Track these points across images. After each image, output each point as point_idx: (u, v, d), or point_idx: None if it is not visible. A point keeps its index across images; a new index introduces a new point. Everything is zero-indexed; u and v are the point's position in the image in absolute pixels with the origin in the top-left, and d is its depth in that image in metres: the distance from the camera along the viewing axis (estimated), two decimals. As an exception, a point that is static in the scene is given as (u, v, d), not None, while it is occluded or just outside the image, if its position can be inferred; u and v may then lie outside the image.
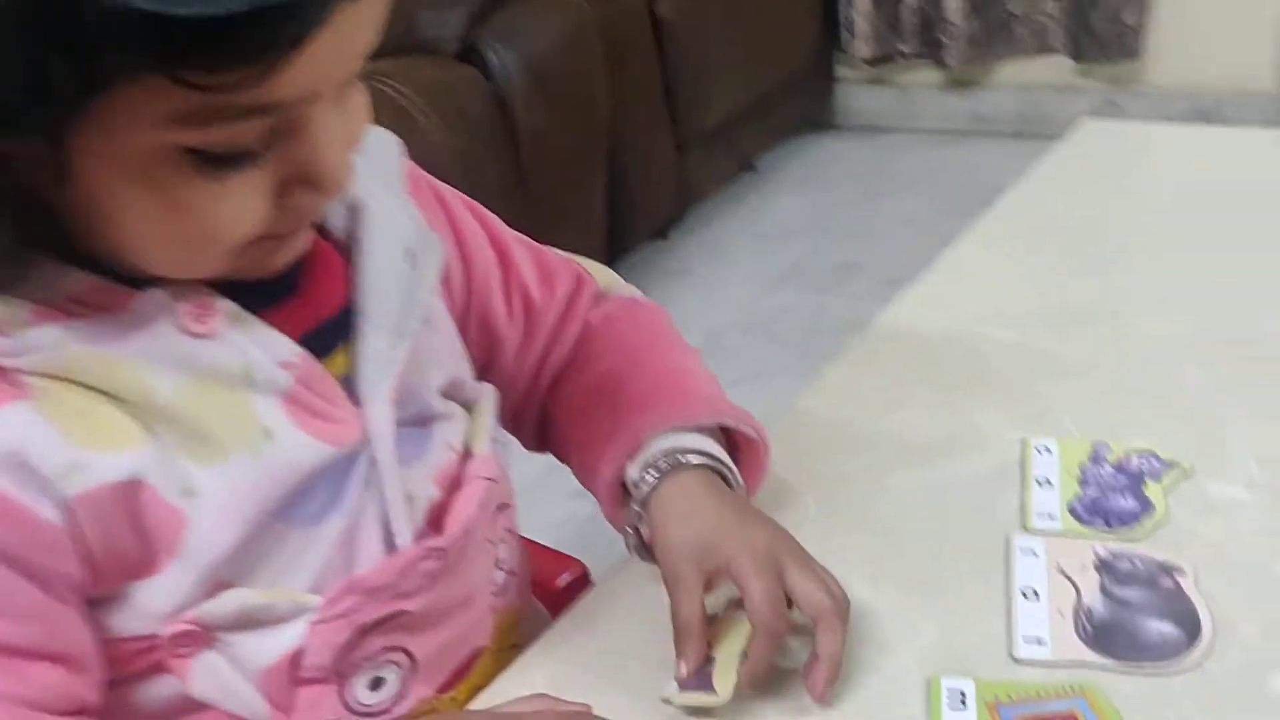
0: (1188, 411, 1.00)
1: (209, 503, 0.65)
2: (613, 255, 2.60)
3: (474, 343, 0.84)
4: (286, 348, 0.68)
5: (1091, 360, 1.07)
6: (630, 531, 0.81)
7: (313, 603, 0.69)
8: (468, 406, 0.80)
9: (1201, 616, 0.78)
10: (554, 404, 0.90)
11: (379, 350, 0.71)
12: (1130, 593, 0.81)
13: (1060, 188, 1.38)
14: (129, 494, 0.64)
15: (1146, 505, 0.89)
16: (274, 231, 0.63)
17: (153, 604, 0.66)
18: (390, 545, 0.72)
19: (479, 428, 0.79)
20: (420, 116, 2.03)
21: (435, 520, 0.75)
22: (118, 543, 0.64)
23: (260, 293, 0.68)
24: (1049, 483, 0.92)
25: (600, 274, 0.93)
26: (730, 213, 3.08)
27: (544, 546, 1.04)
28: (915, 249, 2.88)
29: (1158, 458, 0.94)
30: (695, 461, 0.79)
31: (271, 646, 0.69)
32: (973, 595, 0.82)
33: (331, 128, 0.61)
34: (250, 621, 0.68)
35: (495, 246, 0.86)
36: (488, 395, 0.81)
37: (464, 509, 0.75)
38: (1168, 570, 0.82)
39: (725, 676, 0.73)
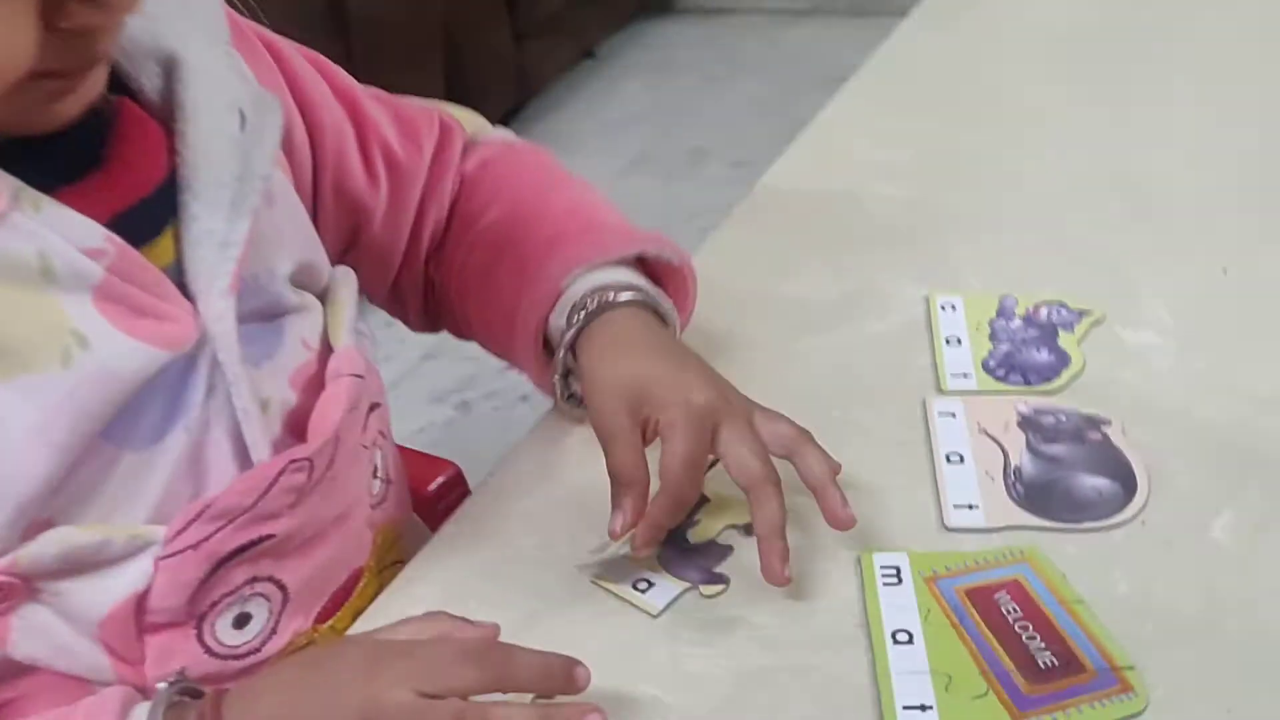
0: (1089, 258, 0.95)
1: (13, 427, 0.55)
2: (454, 150, 2.49)
3: (331, 217, 0.75)
4: (92, 232, 0.56)
5: (985, 211, 1.02)
6: (558, 381, 0.74)
7: (156, 535, 0.59)
8: (323, 297, 0.70)
9: (1135, 468, 0.74)
10: (441, 271, 0.80)
11: (212, 232, 0.61)
12: (1058, 449, 0.75)
13: (929, 42, 1.32)
14: None
15: (1062, 357, 0.84)
16: (53, 67, 0.52)
17: None
18: (244, 460, 0.63)
19: (338, 319, 0.69)
20: (244, 4, 1.87)
21: (295, 428, 0.65)
22: None
23: (53, 166, 0.56)
24: (958, 341, 0.86)
25: (466, 118, 0.84)
26: (573, 101, 2.98)
27: (410, 450, 0.94)
28: (763, 131, 2.85)
29: (1067, 307, 0.89)
30: (624, 298, 0.72)
31: (108, 592, 0.59)
32: (895, 464, 0.75)
33: None
34: (80, 565, 0.58)
35: (344, 102, 0.75)
36: (346, 282, 0.72)
37: (330, 412, 0.65)
38: (1094, 423, 0.77)
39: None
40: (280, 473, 0.61)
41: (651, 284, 0.76)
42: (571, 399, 0.76)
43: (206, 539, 0.59)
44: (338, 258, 0.75)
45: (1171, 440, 0.76)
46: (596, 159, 2.77)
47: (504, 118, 2.75)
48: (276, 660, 0.64)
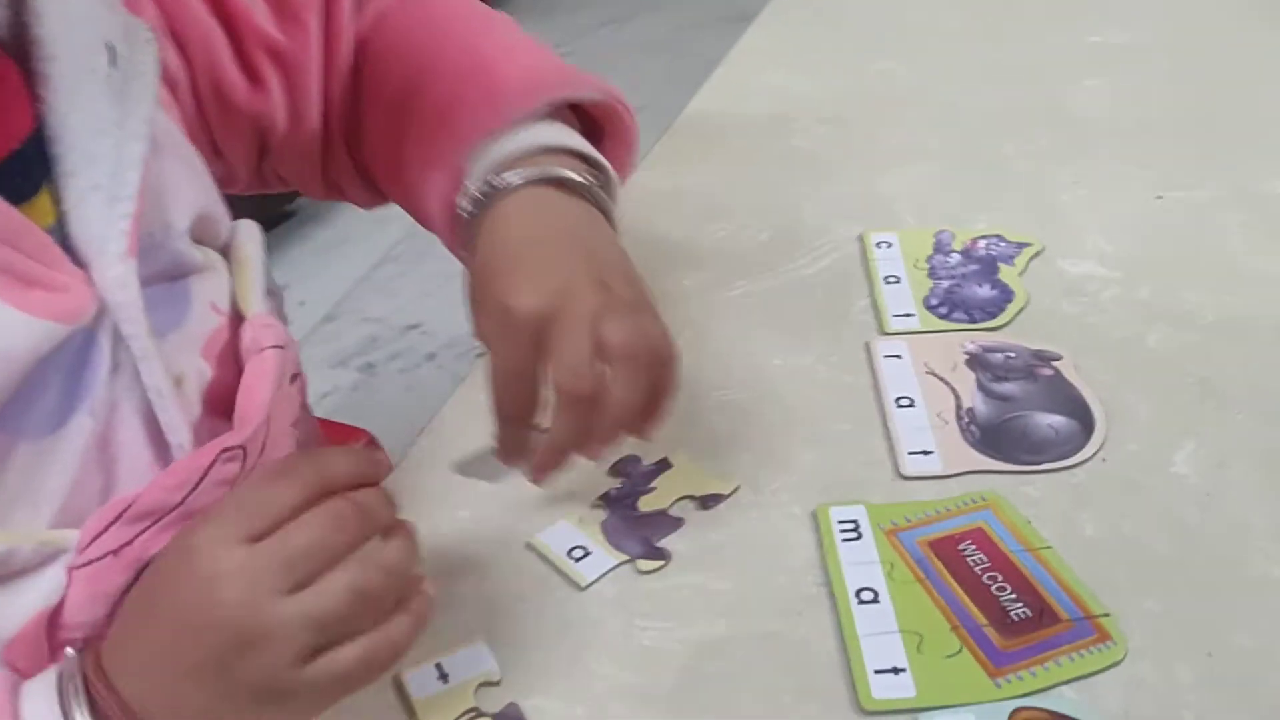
0: (1023, 189, 0.92)
1: None
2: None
3: (229, 136, 0.68)
4: None
5: (913, 144, 0.98)
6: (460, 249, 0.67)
7: (68, 541, 0.51)
8: (225, 254, 0.64)
9: (1091, 404, 0.71)
10: (365, 154, 0.72)
11: (97, 187, 0.53)
12: (1010, 387, 0.72)
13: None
14: None
15: (1005, 291, 0.80)
16: None
17: None
18: (161, 446, 0.56)
19: (246, 280, 0.62)
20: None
21: (216, 405, 0.59)
22: None
23: None
24: (897, 279, 0.82)
25: None
26: (464, 49, 2.89)
27: (321, 419, 0.88)
28: (663, 74, 2.79)
29: (1005, 240, 0.85)
30: (517, 181, 0.63)
31: (15, 609, 0.51)
32: (843, 411, 0.72)
33: None
34: None
35: (210, 3, 0.67)
36: (250, 236, 0.64)
37: (257, 392, 0.57)
38: (1044, 358, 0.74)
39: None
40: (211, 464, 0.53)
41: (575, 134, 0.67)
42: None
43: (129, 543, 0.52)
44: (254, 170, 0.68)
45: (1123, 372, 0.73)
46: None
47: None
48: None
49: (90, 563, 0.51)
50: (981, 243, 0.85)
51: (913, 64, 1.09)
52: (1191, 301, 0.79)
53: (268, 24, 0.68)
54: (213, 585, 0.48)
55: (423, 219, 0.71)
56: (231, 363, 0.59)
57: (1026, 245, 0.85)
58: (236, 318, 0.61)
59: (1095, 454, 0.67)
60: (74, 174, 0.53)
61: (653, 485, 0.67)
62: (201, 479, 0.53)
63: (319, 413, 0.92)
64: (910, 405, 0.71)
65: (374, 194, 0.76)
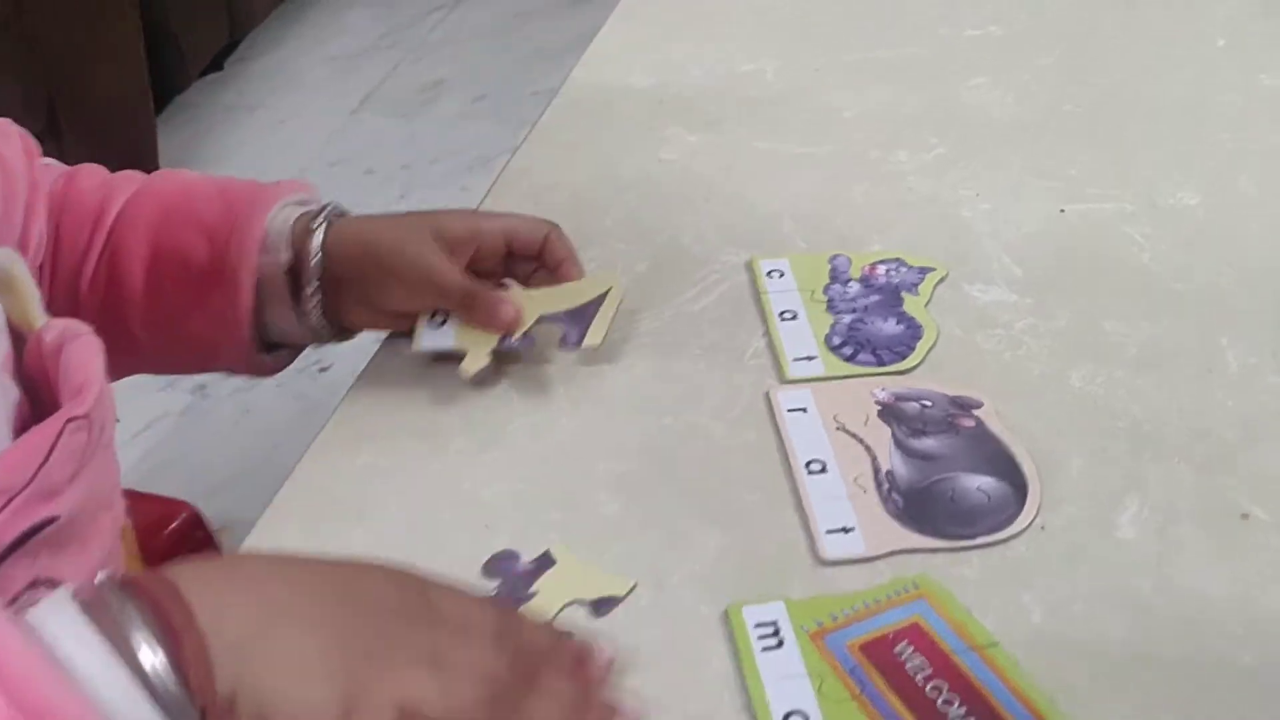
0: (918, 204, 0.84)
1: None
2: (162, 97, 2.23)
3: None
4: None
5: (795, 154, 0.89)
6: (313, 308, 0.70)
7: None
8: None
9: (1019, 459, 0.63)
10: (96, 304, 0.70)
11: None
12: (930, 444, 0.64)
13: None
14: None
15: (912, 326, 0.73)
16: None
17: None
18: None
19: (25, 301, 0.57)
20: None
21: (23, 425, 0.53)
22: None
23: None
24: (793, 315, 0.74)
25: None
26: (292, 37, 2.72)
27: (131, 491, 0.76)
28: (501, 62, 2.68)
29: (905, 264, 0.78)
30: (337, 210, 0.72)
31: None
32: (748, 479, 0.63)
33: None
34: None
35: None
36: (15, 260, 0.59)
37: (90, 364, 0.53)
38: (963, 406, 0.67)
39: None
40: (59, 434, 0.50)
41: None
42: (328, 326, 0.72)
43: None
44: None
45: (1049, 418, 0.66)
46: (324, 98, 2.54)
47: (216, 58, 2.49)
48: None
49: None
50: (881, 269, 0.77)
51: (783, 63, 1.01)
52: (1111, 332, 0.72)
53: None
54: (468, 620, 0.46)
55: (198, 324, 0.70)
56: (34, 376, 0.55)
57: (930, 270, 0.77)
58: (18, 341, 0.56)
59: (1032, 521, 0.60)
60: None
61: (533, 589, 0.57)
62: (51, 450, 0.50)
63: (147, 442, 0.81)
64: (822, 470, 0.63)
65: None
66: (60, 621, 0.39)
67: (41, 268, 0.70)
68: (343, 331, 0.73)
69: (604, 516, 0.61)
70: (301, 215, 0.71)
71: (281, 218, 0.70)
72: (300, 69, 2.62)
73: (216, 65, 2.50)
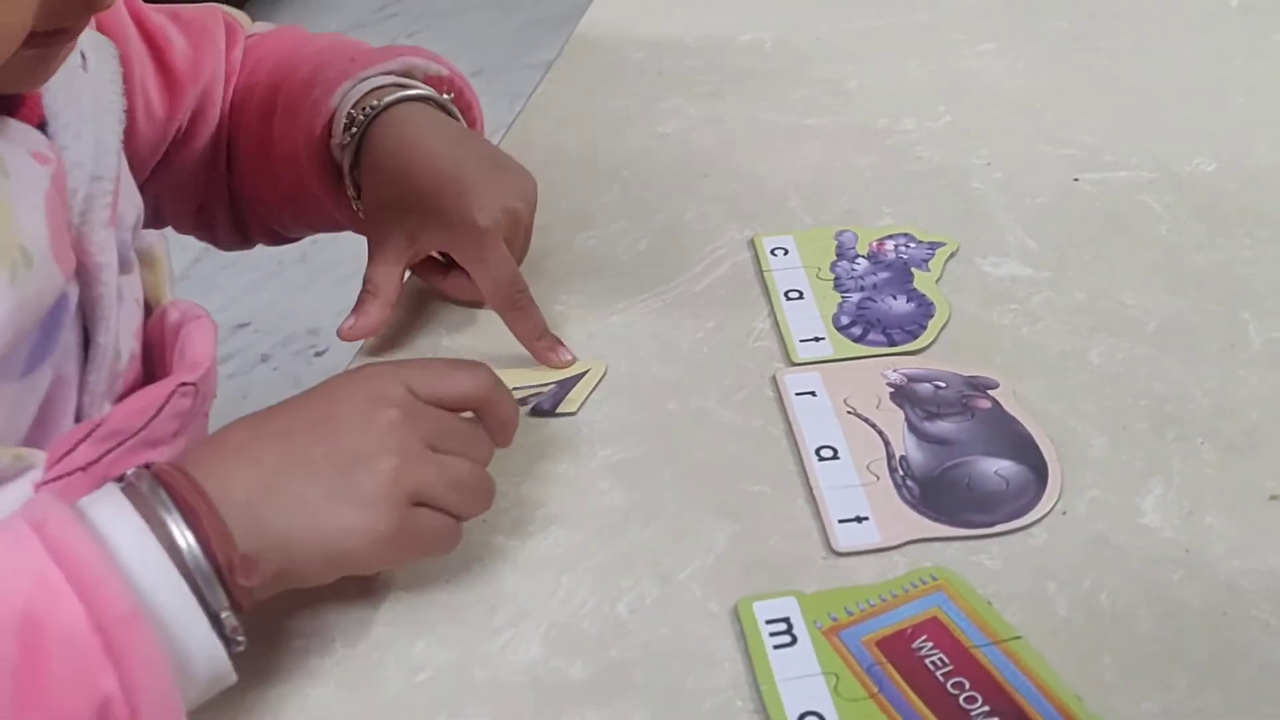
0: (926, 176, 0.82)
1: None
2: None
3: (141, 149, 0.70)
4: (34, 137, 0.54)
5: (798, 126, 0.87)
6: (351, 193, 0.71)
7: (37, 459, 0.52)
8: (141, 257, 0.65)
9: (1039, 441, 0.61)
10: (238, 168, 0.77)
11: (81, 164, 0.57)
12: (945, 426, 0.62)
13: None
14: None
15: (924, 304, 0.70)
16: (49, 27, 0.48)
17: None
18: (78, 412, 0.57)
19: (160, 277, 0.65)
20: None
21: (134, 380, 0.61)
22: None
23: None
24: (799, 294, 0.71)
25: (241, 16, 0.79)
26: (292, 8, 2.69)
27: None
28: (500, 35, 2.64)
29: (914, 239, 0.75)
30: (399, 96, 0.70)
31: None
32: (756, 467, 0.60)
33: None
34: None
35: (135, 22, 0.69)
36: (160, 243, 0.67)
37: (203, 343, 0.60)
38: (978, 387, 0.64)
39: None
40: (170, 395, 0.56)
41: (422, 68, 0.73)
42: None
43: (96, 461, 0.53)
44: (146, 185, 0.71)
45: (1069, 398, 0.64)
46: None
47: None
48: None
49: (59, 478, 0.52)
50: (889, 244, 0.75)
51: (782, 31, 0.98)
52: (1131, 305, 0.70)
53: (182, 53, 0.72)
54: (374, 404, 0.52)
55: (287, 187, 0.74)
56: (152, 345, 0.62)
57: (940, 245, 0.74)
58: (147, 309, 0.63)
59: (1054, 507, 0.58)
60: (65, 149, 0.56)
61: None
62: (161, 408, 0.56)
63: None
64: (834, 457, 0.60)
65: (238, 233, 0.81)
66: (111, 512, 0.47)
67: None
68: None
69: (606, 506, 0.58)
70: (366, 96, 0.70)
71: (353, 94, 0.70)
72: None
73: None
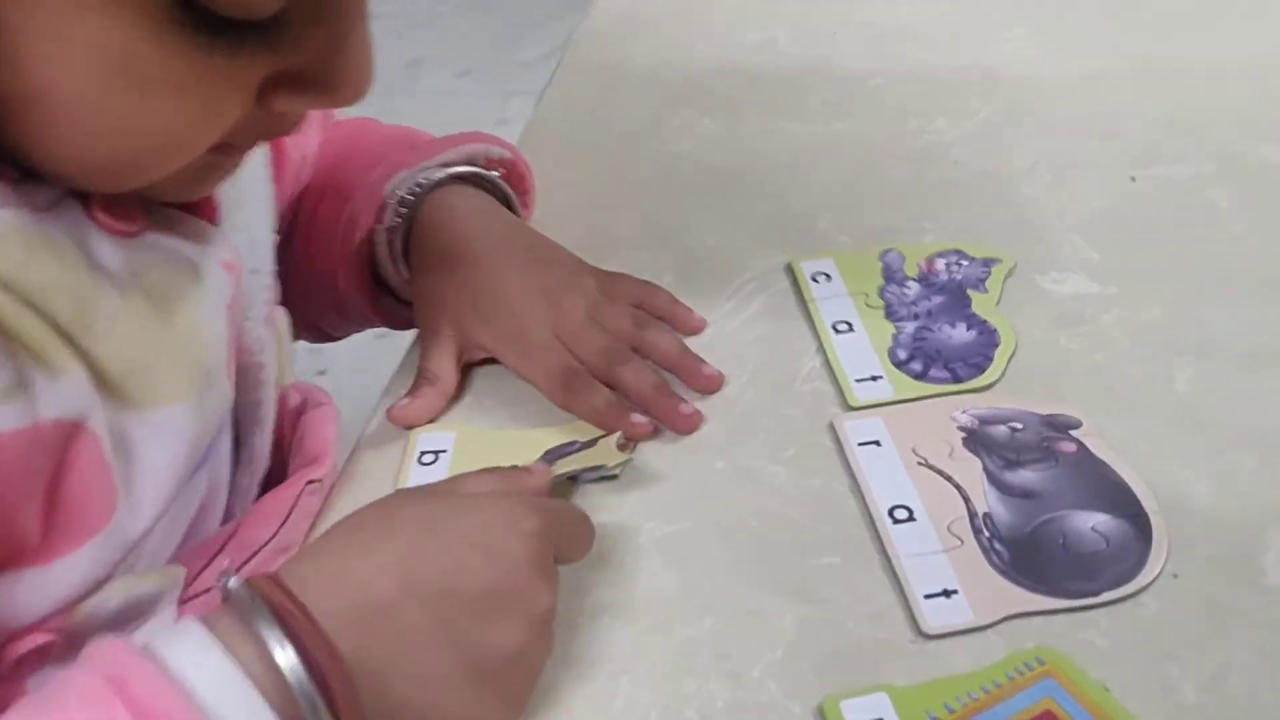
0: (970, 181, 0.75)
1: (145, 464, 0.47)
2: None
3: None
4: (224, 243, 0.52)
5: (823, 134, 0.80)
6: (404, 277, 0.67)
7: (177, 576, 0.50)
8: None
9: (1135, 489, 0.54)
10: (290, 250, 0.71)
11: (248, 263, 0.55)
12: (1028, 476, 0.55)
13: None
14: (64, 438, 0.44)
15: (986, 331, 0.63)
16: (233, 141, 0.46)
17: (23, 604, 0.44)
18: (226, 513, 0.55)
19: (284, 356, 0.61)
20: None
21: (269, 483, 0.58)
22: (16, 509, 0.43)
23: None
24: (849, 326, 0.64)
25: None
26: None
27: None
28: (485, 36, 2.57)
29: (967, 256, 0.68)
30: (447, 174, 0.67)
31: None
32: (823, 536, 0.54)
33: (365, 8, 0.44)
34: (129, 617, 0.48)
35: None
36: (283, 319, 0.63)
37: (325, 433, 0.57)
38: (1058, 427, 0.58)
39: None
40: (299, 495, 0.54)
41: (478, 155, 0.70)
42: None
43: (232, 572, 0.48)
44: None
45: (1159, 435, 0.57)
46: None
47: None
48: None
49: (197, 595, 0.50)
50: (940, 262, 0.68)
51: (796, 30, 0.91)
52: (1212, 322, 0.63)
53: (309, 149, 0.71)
54: (511, 528, 0.46)
55: (327, 276, 0.69)
56: (278, 425, 0.59)
57: (995, 261, 0.68)
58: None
59: (1162, 568, 0.51)
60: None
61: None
62: (291, 510, 0.54)
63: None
64: (910, 518, 0.54)
65: (318, 330, 0.75)
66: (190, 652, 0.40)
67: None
68: None
69: (657, 592, 0.52)
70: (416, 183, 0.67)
71: (405, 182, 0.67)
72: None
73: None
